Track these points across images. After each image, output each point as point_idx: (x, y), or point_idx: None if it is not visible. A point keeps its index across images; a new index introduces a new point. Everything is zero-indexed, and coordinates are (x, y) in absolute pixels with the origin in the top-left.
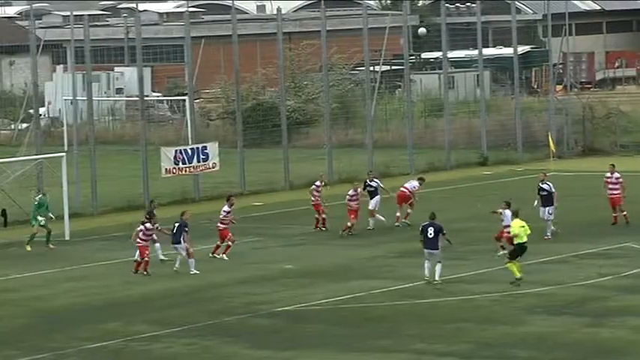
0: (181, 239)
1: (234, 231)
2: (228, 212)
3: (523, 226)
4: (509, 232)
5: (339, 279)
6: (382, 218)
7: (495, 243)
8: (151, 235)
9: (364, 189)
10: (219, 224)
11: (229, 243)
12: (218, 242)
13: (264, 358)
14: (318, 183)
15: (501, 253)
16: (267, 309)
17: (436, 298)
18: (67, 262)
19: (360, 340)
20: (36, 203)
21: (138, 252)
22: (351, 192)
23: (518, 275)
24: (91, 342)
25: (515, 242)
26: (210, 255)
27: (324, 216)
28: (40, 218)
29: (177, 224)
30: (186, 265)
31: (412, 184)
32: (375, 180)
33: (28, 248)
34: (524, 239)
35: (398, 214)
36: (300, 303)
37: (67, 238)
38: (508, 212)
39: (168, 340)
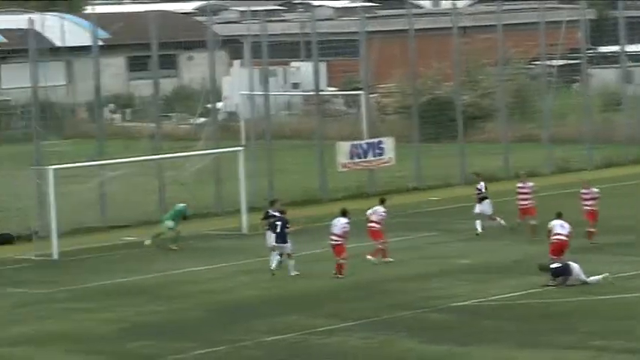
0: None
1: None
2: (385, 213)
3: None
4: None
5: (515, 274)
6: (502, 222)
7: None
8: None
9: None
10: (374, 225)
11: (380, 246)
12: (379, 245)
13: (439, 353)
14: (520, 184)
15: None
16: (444, 304)
17: (613, 294)
18: (244, 255)
19: (536, 337)
20: (178, 209)
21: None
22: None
23: None
24: (267, 335)
25: None
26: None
27: (533, 222)
28: (169, 223)
29: (278, 222)
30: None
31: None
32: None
33: (174, 247)
34: None
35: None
36: (476, 298)
37: (245, 231)
38: None
39: (345, 334)
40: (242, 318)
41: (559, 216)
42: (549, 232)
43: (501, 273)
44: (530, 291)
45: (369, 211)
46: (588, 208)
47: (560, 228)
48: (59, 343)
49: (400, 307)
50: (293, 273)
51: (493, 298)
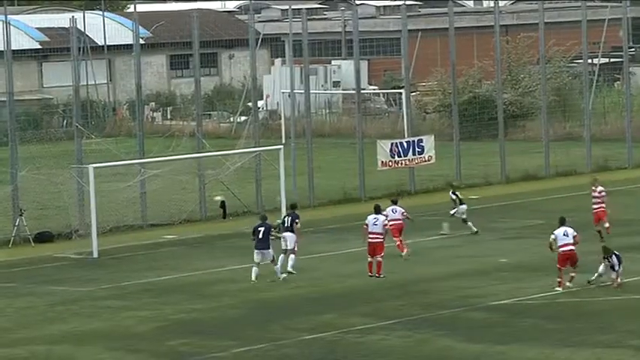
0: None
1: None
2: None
3: None
4: None
5: (554, 273)
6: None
7: None
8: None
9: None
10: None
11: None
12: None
13: (478, 351)
14: (593, 189)
15: None
16: (482, 302)
17: None
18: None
19: (575, 335)
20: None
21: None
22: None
23: None
24: (307, 333)
25: None
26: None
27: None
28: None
29: (262, 229)
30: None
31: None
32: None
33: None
34: None
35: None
36: (515, 297)
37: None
38: None
39: (383, 333)
40: (281, 316)
41: (562, 222)
42: (553, 242)
43: (539, 271)
44: (568, 290)
45: (388, 211)
46: (599, 207)
47: (564, 238)
48: (98, 341)
49: (438, 305)
50: (281, 276)
51: (531, 296)
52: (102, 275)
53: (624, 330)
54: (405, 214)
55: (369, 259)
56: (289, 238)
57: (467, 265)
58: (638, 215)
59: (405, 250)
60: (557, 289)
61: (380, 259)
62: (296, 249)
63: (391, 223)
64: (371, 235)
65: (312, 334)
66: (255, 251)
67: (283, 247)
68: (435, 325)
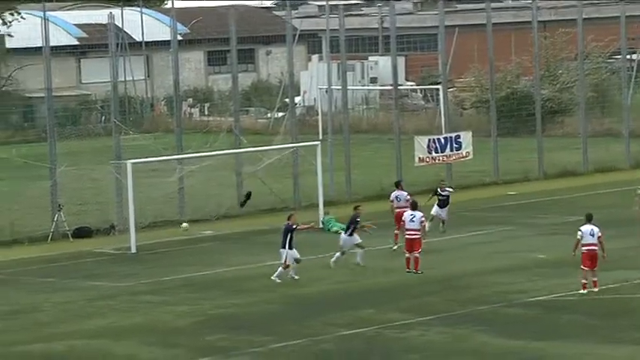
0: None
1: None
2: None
3: None
4: None
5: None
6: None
7: None
8: None
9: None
10: (413, 233)
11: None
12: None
13: (516, 348)
14: None
15: None
16: (521, 298)
17: None
18: (321, 250)
19: (616, 332)
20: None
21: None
22: None
23: None
24: (345, 329)
25: None
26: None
27: None
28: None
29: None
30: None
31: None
32: (448, 189)
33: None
34: None
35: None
36: (553, 293)
37: (321, 225)
38: None
39: (421, 328)
40: (319, 312)
41: (589, 219)
42: (578, 240)
43: (578, 267)
44: (609, 286)
45: (392, 197)
46: None
47: (589, 237)
48: (136, 336)
49: (476, 301)
50: (295, 276)
51: (570, 292)
52: (140, 270)
53: None
54: (409, 199)
55: (407, 255)
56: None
57: (505, 260)
58: None
59: (397, 245)
60: (582, 291)
61: (417, 254)
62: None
63: (397, 210)
64: (408, 232)
65: (351, 329)
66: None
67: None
68: (474, 320)
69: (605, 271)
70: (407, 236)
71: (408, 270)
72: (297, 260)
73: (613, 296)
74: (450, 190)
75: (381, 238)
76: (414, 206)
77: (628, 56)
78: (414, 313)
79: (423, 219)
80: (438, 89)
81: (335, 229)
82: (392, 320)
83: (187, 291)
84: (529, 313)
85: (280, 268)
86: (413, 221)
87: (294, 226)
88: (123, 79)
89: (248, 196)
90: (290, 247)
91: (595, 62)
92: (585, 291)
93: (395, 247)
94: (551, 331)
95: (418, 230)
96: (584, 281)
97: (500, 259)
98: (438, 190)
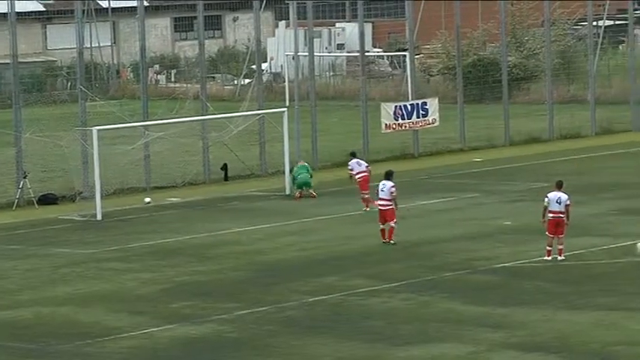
0: None
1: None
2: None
3: None
4: None
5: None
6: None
7: None
8: None
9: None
10: (385, 203)
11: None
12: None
13: (480, 314)
14: None
15: None
16: (485, 265)
17: None
18: (288, 217)
19: (578, 298)
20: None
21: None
22: None
23: None
24: (310, 295)
25: None
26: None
27: None
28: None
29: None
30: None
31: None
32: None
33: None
34: None
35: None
36: (518, 260)
37: (287, 192)
38: None
39: (386, 295)
40: (283, 279)
41: (559, 186)
42: (545, 207)
43: (543, 234)
44: (573, 252)
45: (353, 165)
46: None
47: (555, 205)
48: (102, 303)
49: (442, 268)
50: None
51: (535, 259)
52: (106, 237)
53: (628, 292)
54: (368, 167)
55: (381, 227)
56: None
57: (471, 227)
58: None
59: (369, 207)
60: (546, 257)
61: (393, 224)
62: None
63: (358, 176)
64: (380, 202)
65: (316, 296)
66: None
67: None
68: (438, 287)
69: (569, 237)
70: (379, 207)
71: (383, 241)
72: None
73: (577, 262)
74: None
75: (347, 205)
76: (387, 175)
77: (594, 23)
78: (378, 279)
79: (393, 189)
80: (404, 56)
81: (300, 179)
82: (356, 287)
83: (153, 258)
84: (493, 280)
85: None
86: (383, 191)
87: None
88: (89, 46)
89: (224, 167)
90: None
91: (561, 29)
92: (549, 257)
93: (367, 209)
94: (515, 297)
95: (389, 200)
96: (548, 248)
97: (465, 226)
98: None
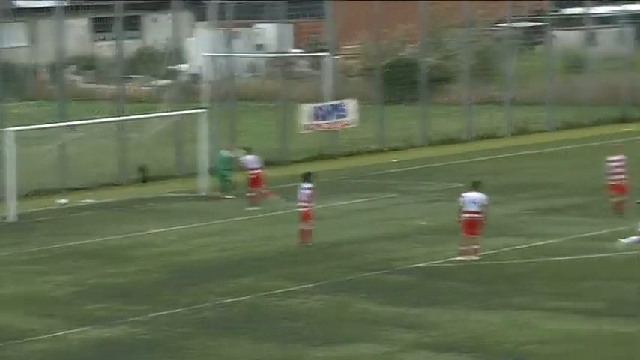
0: None
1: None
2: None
3: None
4: None
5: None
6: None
7: None
8: None
9: None
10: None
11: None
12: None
13: (395, 314)
14: None
15: None
16: (402, 265)
17: (570, 255)
18: (203, 218)
19: (492, 298)
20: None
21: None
22: None
23: None
24: (225, 297)
25: None
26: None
27: None
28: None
29: None
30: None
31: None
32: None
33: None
34: None
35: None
36: (433, 260)
37: (204, 194)
38: None
39: (303, 296)
40: (199, 280)
41: (475, 187)
42: (460, 207)
43: (459, 234)
44: (487, 252)
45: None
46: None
47: (471, 205)
48: (14, 306)
49: (358, 268)
50: None
51: (450, 259)
52: (20, 240)
53: (541, 292)
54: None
55: (300, 227)
56: None
57: (388, 228)
58: (557, 179)
59: (272, 197)
60: (460, 257)
61: (309, 227)
62: None
63: (251, 173)
64: (298, 204)
65: (232, 297)
66: None
67: None
68: (355, 287)
69: (484, 237)
70: (298, 209)
71: (302, 241)
72: None
73: (491, 262)
74: None
75: (263, 206)
76: (305, 177)
77: (512, 24)
78: (295, 280)
79: (309, 191)
80: (324, 57)
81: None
82: (273, 288)
83: (67, 260)
84: (409, 280)
85: None
86: (301, 191)
87: None
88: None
89: (142, 169)
90: None
91: (480, 30)
92: (464, 257)
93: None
94: (430, 297)
95: (307, 202)
96: (463, 248)
97: (382, 226)
98: None
